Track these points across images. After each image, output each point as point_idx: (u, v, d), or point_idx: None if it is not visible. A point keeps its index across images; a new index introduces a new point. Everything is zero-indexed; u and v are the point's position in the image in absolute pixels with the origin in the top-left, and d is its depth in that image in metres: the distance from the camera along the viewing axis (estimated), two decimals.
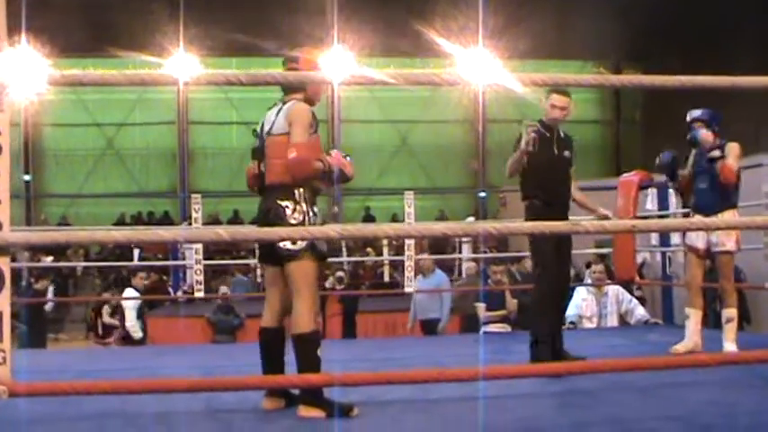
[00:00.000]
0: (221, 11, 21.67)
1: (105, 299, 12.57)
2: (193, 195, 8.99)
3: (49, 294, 13.51)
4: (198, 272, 8.73)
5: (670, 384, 4.97)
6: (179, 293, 13.35)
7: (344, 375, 4.15)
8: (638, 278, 10.07)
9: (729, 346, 6.07)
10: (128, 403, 4.59)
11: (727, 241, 6.16)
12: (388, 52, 22.85)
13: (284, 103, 4.62)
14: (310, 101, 4.66)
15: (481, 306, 9.00)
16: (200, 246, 8.54)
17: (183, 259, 15.26)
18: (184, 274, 14.16)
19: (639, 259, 12.50)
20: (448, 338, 9.50)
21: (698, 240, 6.28)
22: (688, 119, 6.33)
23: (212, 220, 22.96)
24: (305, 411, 4.31)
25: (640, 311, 9.18)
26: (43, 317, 13.04)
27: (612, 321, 9.19)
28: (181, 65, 21.72)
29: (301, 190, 4.47)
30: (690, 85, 3.76)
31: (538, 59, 23.38)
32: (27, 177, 23.67)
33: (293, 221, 4.39)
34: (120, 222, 22.36)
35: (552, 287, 5.82)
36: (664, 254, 9.21)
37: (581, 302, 9.29)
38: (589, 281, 9.64)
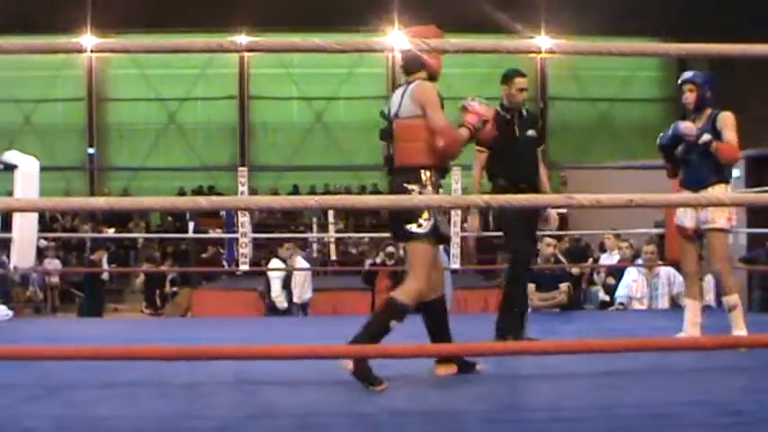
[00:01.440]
0: None
1: (160, 271, 12.67)
2: (240, 169, 9.04)
3: (104, 265, 13.72)
4: (244, 245, 8.79)
5: (709, 369, 4.87)
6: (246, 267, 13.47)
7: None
8: None
9: (740, 333, 5.63)
10: (161, 373, 4.68)
11: (718, 218, 5.67)
12: (449, 28, 22.61)
13: (408, 84, 4.65)
14: (433, 77, 4.70)
15: (531, 287, 8.80)
16: (245, 219, 8.61)
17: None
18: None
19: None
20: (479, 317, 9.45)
21: (685, 218, 5.84)
22: (679, 81, 5.89)
23: (272, 195, 23.15)
24: (441, 370, 4.63)
25: None
26: (100, 287, 13.29)
27: (663, 303, 9.05)
28: (240, 38, 21.83)
29: (428, 173, 4.53)
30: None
31: (599, 36, 22.98)
32: (91, 151, 24.07)
33: (420, 204, 4.45)
34: (181, 196, 22.61)
35: (525, 268, 5.96)
36: None
37: (631, 283, 9.16)
38: (640, 261, 9.49)
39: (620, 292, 9.20)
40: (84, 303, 13.77)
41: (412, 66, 4.69)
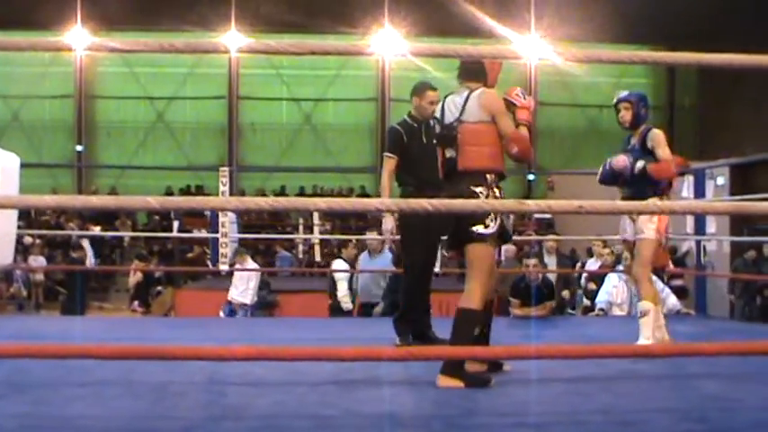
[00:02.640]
0: None
1: (143, 269, 12.64)
2: (221, 169, 9.05)
3: (89, 263, 13.68)
4: (224, 245, 8.78)
5: (680, 375, 4.90)
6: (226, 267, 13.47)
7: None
8: (671, 266, 9.91)
9: (643, 342, 5.74)
10: (132, 372, 4.68)
11: (647, 229, 5.91)
12: (439, 33, 22.73)
13: (471, 91, 4.77)
14: (491, 86, 4.84)
15: (515, 302, 8.75)
16: (226, 219, 8.60)
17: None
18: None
19: (684, 248, 12.33)
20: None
21: (626, 233, 6.12)
22: (614, 101, 6.07)
23: (259, 195, 23.14)
24: (444, 381, 4.48)
25: (672, 301, 9.03)
26: (83, 285, 13.24)
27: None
28: (232, 41, 21.81)
29: (492, 176, 4.67)
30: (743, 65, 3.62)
31: (591, 42, 23.07)
32: (79, 148, 24.01)
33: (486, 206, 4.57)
34: (168, 195, 22.60)
35: (422, 275, 6.04)
36: (698, 242, 9.04)
37: (612, 289, 9.17)
38: (621, 267, 9.51)
39: (601, 298, 9.22)
40: (67, 301, 13.72)
41: (475, 75, 4.82)
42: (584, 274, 10.53)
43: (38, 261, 17.18)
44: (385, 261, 9.60)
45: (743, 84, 20.91)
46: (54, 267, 16.65)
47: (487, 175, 4.65)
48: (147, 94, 24.43)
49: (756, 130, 21.06)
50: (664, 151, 5.85)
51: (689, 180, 9.03)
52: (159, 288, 14.61)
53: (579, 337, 7.01)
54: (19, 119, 23.90)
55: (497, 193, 4.68)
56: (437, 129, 4.95)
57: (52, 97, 24.18)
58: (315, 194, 23.65)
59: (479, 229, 4.57)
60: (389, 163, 6.06)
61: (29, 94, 23.73)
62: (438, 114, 4.92)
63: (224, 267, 9.03)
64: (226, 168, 9.13)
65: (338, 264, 10.65)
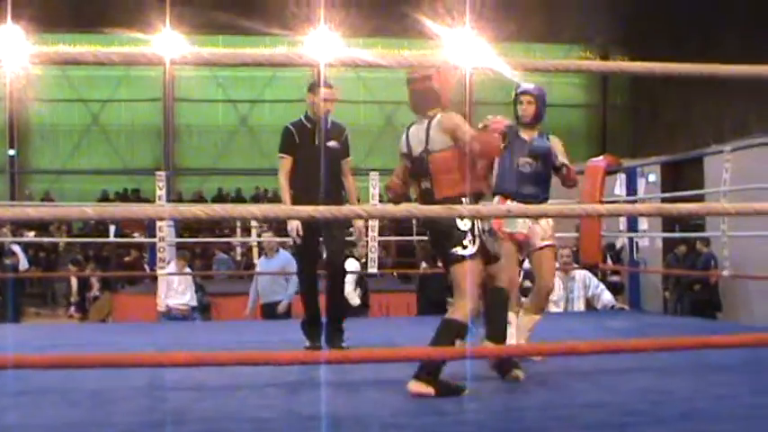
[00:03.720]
0: None
1: (80, 274, 12.52)
2: (157, 173, 9.00)
3: (21, 267, 13.50)
4: (161, 249, 8.74)
5: (612, 370, 5.01)
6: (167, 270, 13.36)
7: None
8: (609, 263, 10.12)
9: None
10: (71, 379, 4.66)
11: (553, 236, 5.81)
12: (374, 33, 22.81)
13: (430, 119, 4.73)
14: (447, 106, 4.80)
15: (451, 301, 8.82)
16: (163, 223, 8.56)
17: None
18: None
19: (618, 244, 12.56)
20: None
21: (522, 226, 5.72)
22: (516, 90, 5.77)
23: (197, 198, 22.98)
24: (415, 387, 4.43)
25: (607, 297, 9.19)
26: (15, 291, 13.08)
27: (579, 306, 9.21)
28: (166, 42, 21.63)
29: (468, 199, 4.66)
30: (677, 73, 3.74)
31: (525, 42, 23.34)
32: (12, 152, 23.61)
33: (463, 227, 4.58)
34: (104, 199, 22.34)
35: (311, 275, 6.09)
36: (631, 239, 9.23)
37: None
38: (557, 265, 9.66)
39: None
40: (1, 308, 13.54)
41: (429, 101, 4.79)
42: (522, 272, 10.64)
43: None
44: (283, 260, 9.70)
45: (674, 83, 21.35)
46: None
47: (463, 200, 4.66)
48: (81, 96, 24.10)
49: (687, 128, 21.51)
50: (564, 158, 5.64)
51: (621, 178, 9.22)
52: (96, 293, 14.50)
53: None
54: None
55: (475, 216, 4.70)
56: (406, 161, 4.90)
57: None
58: (255, 196, 23.56)
59: (458, 250, 4.61)
60: (283, 163, 5.96)
61: None
62: (404, 149, 4.89)
63: (163, 271, 8.96)
64: (162, 173, 9.06)
65: (350, 263, 10.53)
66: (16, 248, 13.94)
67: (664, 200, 10.86)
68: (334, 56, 4.40)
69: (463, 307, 4.58)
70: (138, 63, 3.50)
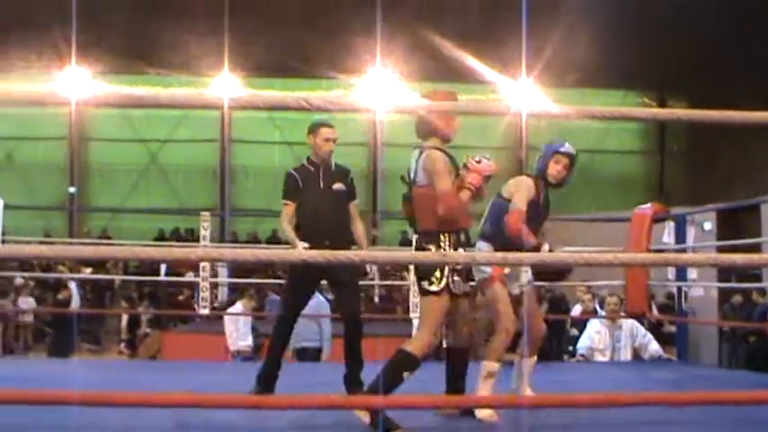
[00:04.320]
0: (266, 32, 21.87)
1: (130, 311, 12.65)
2: (202, 213, 9.08)
3: (74, 305, 13.69)
4: (204, 289, 8.81)
5: (646, 422, 4.90)
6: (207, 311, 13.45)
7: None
8: (655, 313, 9.94)
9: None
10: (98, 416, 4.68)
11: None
12: (431, 77, 22.90)
13: (421, 152, 4.87)
14: (446, 139, 4.91)
15: None
16: (206, 264, 8.63)
17: (215, 276, 15.41)
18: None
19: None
20: None
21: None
22: (559, 149, 5.48)
23: (251, 239, 23.15)
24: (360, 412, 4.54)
25: (654, 347, 9.03)
26: (69, 327, 13.24)
27: (626, 355, 9.06)
28: (224, 85, 22.00)
29: (446, 234, 4.77)
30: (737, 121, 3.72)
31: (581, 88, 23.26)
32: (72, 190, 24.06)
33: (429, 266, 4.69)
34: (160, 238, 22.58)
35: (288, 327, 5.89)
36: (679, 289, 9.06)
37: (594, 335, 9.17)
38: (603, 313, 9.53)
39: (582, 344, 9.22)
40: (53, 343, 13.72)
41: (423, 131, 4.91)
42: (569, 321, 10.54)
43: (27, 302, 17.15)
44: (316, 304, 9.18)
45: (733, 129, 21.06)
46: (37, 309, 16.60)
47: (441, 235, 4.73)
48: (140, 136, 24.52)
49: (746, 175, 21.15)
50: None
51: (669, 226, 9.07)
52: (147, 330, 14.65)
53: (555, 383, 7.00)
54: (13, 160, 23.98)
55: (448, 250, 4.74)
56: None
57: (46, 139, 24.27)
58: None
59: (425, 284, 4.67)
60: (286, 210, 5.83)
61: (23, 136, 23.82)
62: (408, 176, 4.97)
63: (204, 311, 9.03)
64: (207, 213, 9.15)
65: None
66: (71, 284, 14.15)
67: (719, 248, 10.65)
68: (391, 101, 4.52)
69: (421, 340, 4.64)
70: (196, 106, 3.57)
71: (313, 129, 5.85)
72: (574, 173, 5.52)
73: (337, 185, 5.81)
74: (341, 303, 5.94)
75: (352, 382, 5.67)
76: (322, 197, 5.75)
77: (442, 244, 4.75)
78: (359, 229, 5.91)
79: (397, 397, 4.44)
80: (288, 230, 5.78)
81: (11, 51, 20.10)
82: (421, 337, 4.67)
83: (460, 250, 4.84)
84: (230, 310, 10.50)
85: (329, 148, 5.82)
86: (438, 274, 4.64)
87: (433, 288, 4.66)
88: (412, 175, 4.90)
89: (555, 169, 5.42)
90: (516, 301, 5.44)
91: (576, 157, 5.53)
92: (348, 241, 5.81)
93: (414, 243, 5.08)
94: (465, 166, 4.89)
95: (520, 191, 5.26)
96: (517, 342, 5.65)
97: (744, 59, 20.67)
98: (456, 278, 4.72)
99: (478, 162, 4.89)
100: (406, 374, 4.53)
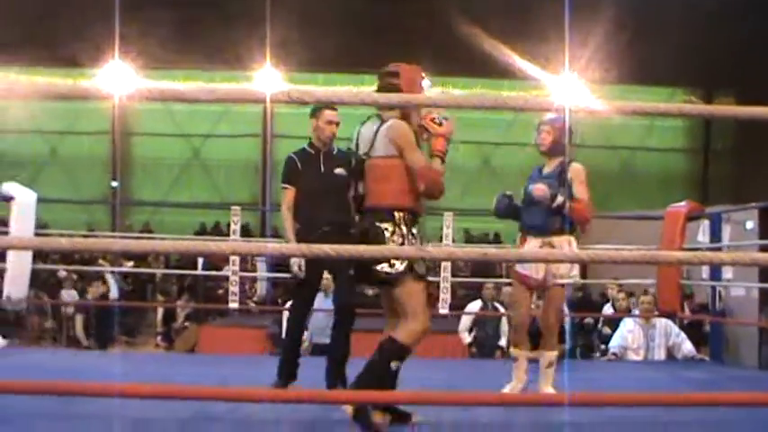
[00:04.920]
0: (308, 26, 21.89)
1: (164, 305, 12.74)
2: (233, 207, 9.10)
3: (112, 296, 13.82)
4: (234, 283, 8.84)
5: (670, 422, 4.83)
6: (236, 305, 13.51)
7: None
8: (687, 311, 9.80)
9: (549, 390, 5.60)
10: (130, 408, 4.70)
11: (566, 273, 5.62)
12: (472, 73, 22.85)
13: (382, 122, 4.57)
14: (407, 117, 4.60)
15: None
16: (236, 258, 8.66)
17: (254, 270, 15.45)
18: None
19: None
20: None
21: (531, 268, 5.64)
22: (538, 122, 5.81)
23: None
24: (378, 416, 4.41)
25: (687, 346, 8.93)
26: (108, 319, 13.37)
27: (660, 354, 8.97)
28: (267, 79, 22.06)
29: (402, 213, 4.47)
30: None
31: (625, 84, 22.99)
32: (115, 184, 24.30)
33: (392, 244, 4.38)
34: (201, 232, 22.72)
35: (300, 317, 5.86)
36: (714, 288, 8.92)
37: (627, 334, 9.09)
38: (637, 312, 9.43)
39: (614, 342, 9.13)
40: (92, 336, 13.87)
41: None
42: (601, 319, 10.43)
43: (70, 295, 17.34)
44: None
45: None
46: (69, 303, 16.77)
47: (396, 213, 4.44)
48: (182, 131, 24.68)
49: None
50: (583, 189, 5.61)
51: (704, 224, 8.93)
52: (186, 324, 14.72)
53: (583, 381, 6.93)
54: (57, 154, 24.29)
55: (404, 231, 4.44)
56: (352, 160, 4.69)
57: (89, 133, 24.53)
58: None
59: (385, 267, 4.36)
60: (287, 195, 5.75)
61: (66, 130, 24.10)
62: (353, 145, 4.69)
63: (233, 305, 9.06)
64: (238, 208, 9.14)
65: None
66: (108, 277, 14.28)
67: (761, 248, 10.44)
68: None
69: (413, 331, 4.38)
70: (239, 101, 3.58)
71: (315, 111, 5.76)
72: (563, 137, 5.72)
73: (339, 170, 5.65)
74: (336, 293, 5.87)
75: (335, 376, 5.64)
76: (322, 182, 5.65)
77: (397, 221, 4.43)
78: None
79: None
80: (287, 220, 5.68)
81: (55, 46, 20.28)
82: (414, 326, 4.40)
83: (414, 231, 4.51)
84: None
85: (332, 131, 5.74)
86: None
87: (395, 271, 4.35)
88: (365, 148, 4.61)
89: (538, 138, 5.80)
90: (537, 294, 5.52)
91: (554, 123, 5.72)
92: (348, 227, 5.68)
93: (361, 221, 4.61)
94: (425, 129, 4.58)
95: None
96: (537, 339, 5.63)
97: None
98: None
99: (440, 125, 4.59)
100: (394, 364, 4.34)
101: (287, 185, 5.76)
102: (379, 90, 4.64)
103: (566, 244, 5.61)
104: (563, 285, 5.72)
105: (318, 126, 5.73)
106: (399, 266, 4.35)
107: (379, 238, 4.38)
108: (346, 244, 5.42)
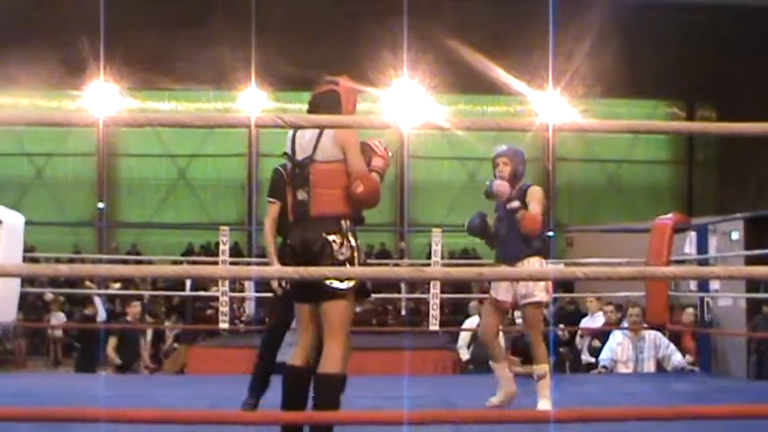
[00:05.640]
0: (293, 45, 21.95)
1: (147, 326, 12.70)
2: (221, 228, 9.10)
3: (100, 319, 13.76)
4: (224, 303, 8.83)
5: None
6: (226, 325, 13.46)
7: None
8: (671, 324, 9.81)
9: (544, 403, 5.66)
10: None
11: (538, 292, 5.73)
12: (457, 89, 22.93)
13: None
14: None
15: (515, 360, 8.63)
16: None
17: (243, 290, 15.40)
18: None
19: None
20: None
21: (499, 292, 5.82)
22: (493, 155, 5.95)
23: None
24: None
25: (677, 358, 8.96)
26: (94, 341, 13.29)
27: (649, 367, 9.00)
28: (252, 99, 22.06)
29: (347, 222, 4.29)
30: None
31: (609, 98, 23.10)
32: (101, 205, 24.23)
33: (341, 257, 4.20)
34: (189, 252, 22.67)
35: (279, 331, 5.65)
36: (702, 299, 8.96)
37: (616, 346, 9.11)
38: (626, 324, 9.45)
39: (604, 355, 9.16)
40: (80, 357, 13.79)
41: (330, 106, 4.48)
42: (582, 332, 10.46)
43: (57, 317, 17.27)
44: None
45: (764, 137, 20.86)
46: (64, 325, 16.73)
47: (342, 221, 4.28)
48: (168, 151, 24.65)
49: None
50: (537, 207, 5.71)
51: (691, 236, 8.98)
52: (175, 345, 14.67)
53: (573, 396, 6.94)
54: (42, 176, 24.22)
55: (353, 242, 4.30)
56: (288, 165, 4.49)
57: (75, 155, 24.48)
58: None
59: (334, 283, 4.15)
60: (271, 209, 5.57)
61: (52, 152, 24.05)
62: (288, 150, 4.51)
63: (224, 326, 9.04)
64: (226, 228, 9.15)
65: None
66: (96, 299, 14.22)
67: (747, 258, 10.50)
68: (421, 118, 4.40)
69: (338, 354, 4.16)
70: (222, 126, 3.55)
71: None
72: (521, 166, 5.98)
73: None
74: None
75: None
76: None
77: (344, 231, 4.27)
78: None
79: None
80: (269, 237, 5.51)
81: (39, 67, 20.24)
82: (339, 352, 4.17)
83: (359, 241, 4.36)
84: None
85: None
86: (348, 266, 4.18)
87: (345, 285, 4.16)
88: (307, 152, 4.40)
89: (497, 173, 5.95)
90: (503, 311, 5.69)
91: (509, 154, 5.98)
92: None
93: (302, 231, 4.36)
94: (369, 147, 4.47)
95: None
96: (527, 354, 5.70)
97: None
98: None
99: (386, 149, 4.54)
100: (341, 396, 4.19)
101: (273, 200, 5.59)
102: (318, 96, 4.58)
103: (536, 263, 5.75)
104: (539, 303, 5.83)
105: None
106: (350, 282, 4.18)
107: (326, 251, 4.21)
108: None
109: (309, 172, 4.37)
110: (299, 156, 4.44)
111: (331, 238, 4.26)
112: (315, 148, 4.39)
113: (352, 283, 4.20)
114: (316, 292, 4.25)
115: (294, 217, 4.45)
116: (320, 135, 4.39)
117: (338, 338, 4.22)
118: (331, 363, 4.18)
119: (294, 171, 4.46)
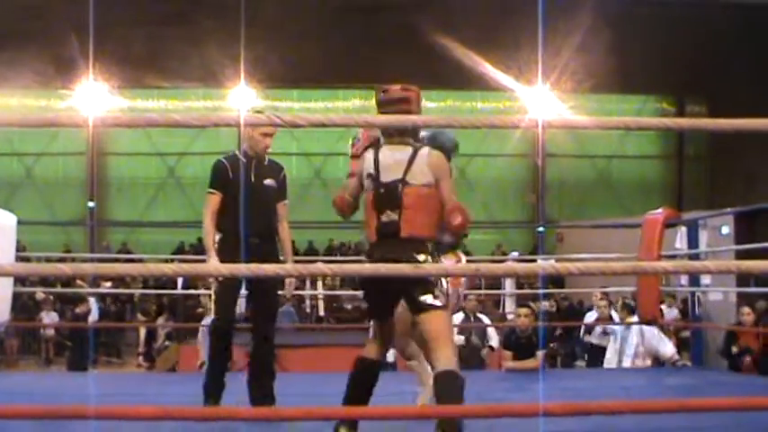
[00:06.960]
0: (282, 43, 21.94)
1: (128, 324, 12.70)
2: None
3: (92, 318, 13.75)
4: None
5: (656, 429, 4.86)
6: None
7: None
8: (667, 317, 9.87)
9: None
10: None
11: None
12: (446, 84, 22.96)
13: (416, 149, 4.45)
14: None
15: (507, 355, 8.60)
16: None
17: None
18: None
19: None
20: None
21: None
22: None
23: None
24: None
25: (670, 349, 8.95)
26: (86, 340, 13.29)
27: (642, 360, 9.01)
28: (241, 97, 22.06)
29: (432, 244, 4.42)
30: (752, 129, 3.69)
31: (598, 93, 23.17)
32: (91, 204, 24.19)
33: (431, 278, 4.32)
34: (180, 251, 22.65)
35: (222, 331, 5.46)
36: (693, 294, 8.99)
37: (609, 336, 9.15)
38: (617, 318, 9.50)
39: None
40: (72, 356, 13.78)
41: (413, 131, 4.56)
42: (582, 327, 10.49)
43: (50, 316, 17.25)
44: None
45: (748, 135, 20.92)
46: (56, 324, 16.71)
47: (429, 243, 4.38)
48: (158, 150, 24.63)
49: (767, 179, 21.00)
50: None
51: (681, 231, 9.02)
52: (167, 343, 14.68)
53: (565, 390, 6.96)
54: (32, 176, 24.18)
55: (439, 262, 4.47)
56: (370, 185, 4.49)
57: (65, 154, 24.44)
58: (328, 248, 23.71)
59: (428, 299, 4.31)
60: (211, 201, 5.48)
61: (42, 152, 24.00)
62: (371, 170, 4.50)
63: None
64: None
65: None
66: (90, 299, 14.21)
67: (737, 252, 10.54)
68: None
69: (450, 357, 4.30)
70: (211, 125, 3.54)
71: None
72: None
73: (268, 181, 5.50)
74: (255, 315, 5.53)
75: (265, 396, 5.38)
76: (251, 191, 5.37)
77: (431, 252, 4.39)
78: (285, 231, 5.61)
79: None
80: (208, 229, 5.49)
81: (28, 66, 20.21)
82: (449, 354, 4.32)
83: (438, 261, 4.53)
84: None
85: (267, 143, 5.52)
86: (441, 286, 4.33)
87: (438, 303, 4.32)
88: (398, 174, 4.43)
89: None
90: None
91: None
92: (273, 242, 5.53)
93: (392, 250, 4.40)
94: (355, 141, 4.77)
95: None
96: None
97: (763, 63, 20.56)
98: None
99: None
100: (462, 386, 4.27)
101: (214, 191, 5.49)
102: (389, 99, 4.55)
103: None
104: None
105: (253, 136, 5.49)
106: (443, 299, 4.36)
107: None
108: (272, 256, 5.41)
109: (402, 194, 4.40)
110: (385, 178, 4.46)
111: (421, 258, 4.35)
112: (407, 170, 4.43)
113: (444, 302, 4.37)
114: (412, 307, 4.39)
115: (378, 237, 4.47)
116: (412, 159, 4.44)
117: (447, 343, 4.38)
118: (441, 363, 4.30)
119: (378, 192, 4.47)
